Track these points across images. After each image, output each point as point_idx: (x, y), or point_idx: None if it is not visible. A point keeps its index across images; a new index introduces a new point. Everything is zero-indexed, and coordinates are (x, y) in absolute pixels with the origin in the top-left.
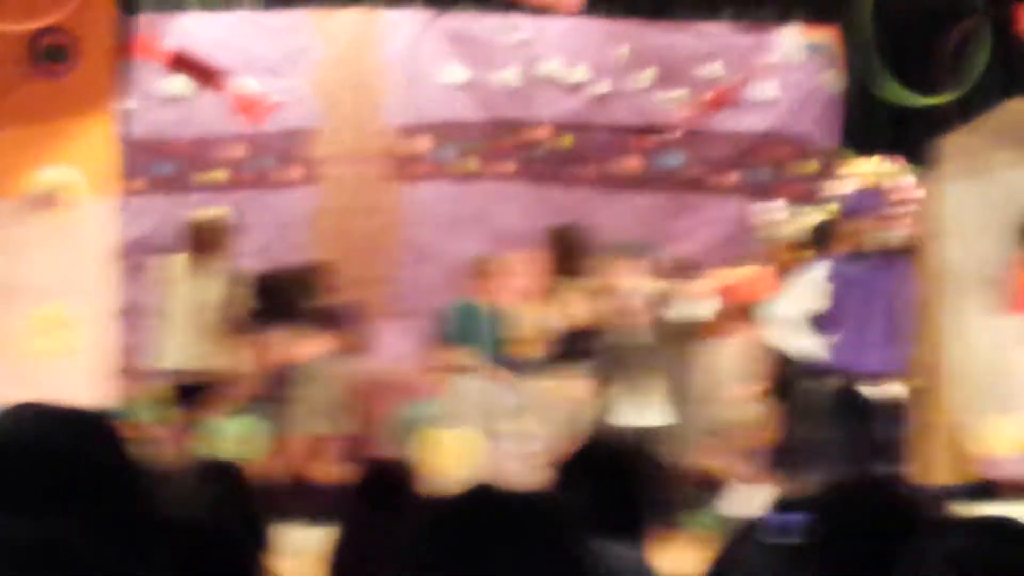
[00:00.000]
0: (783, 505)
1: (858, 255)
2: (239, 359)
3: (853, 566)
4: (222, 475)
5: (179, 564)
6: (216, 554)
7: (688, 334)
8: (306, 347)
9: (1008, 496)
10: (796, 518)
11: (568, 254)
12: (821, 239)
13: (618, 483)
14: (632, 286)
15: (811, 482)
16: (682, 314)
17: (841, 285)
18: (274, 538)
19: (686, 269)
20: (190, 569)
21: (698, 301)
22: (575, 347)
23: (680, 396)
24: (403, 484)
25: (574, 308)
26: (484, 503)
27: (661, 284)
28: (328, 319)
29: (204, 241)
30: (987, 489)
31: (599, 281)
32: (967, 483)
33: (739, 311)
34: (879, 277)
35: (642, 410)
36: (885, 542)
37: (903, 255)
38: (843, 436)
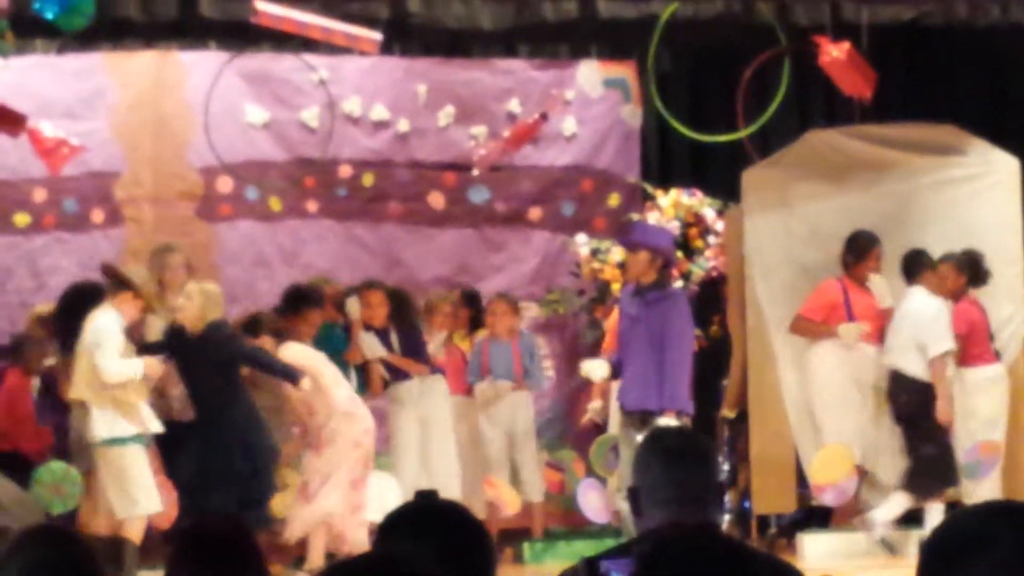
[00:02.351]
0: (611, 552)
1: (637, 289)
2: None
3: None
4: (53, 541)
5: None
6: None
7: None
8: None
9: (838, 523)
10: (622, 564)
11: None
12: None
13: (454, 538)
14: None
15: (642, 528)
16: None
17: (622, 319)
18: None
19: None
20: None
21: None
22: None
23: None
24: (230, 540)
25: None
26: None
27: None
28: None
29: None
30: (817, 516)
31: None
32: (796, 511)
33: None
34: (651, 312)
35: None
36: None
37: (675, 290)
38: (662, 479)
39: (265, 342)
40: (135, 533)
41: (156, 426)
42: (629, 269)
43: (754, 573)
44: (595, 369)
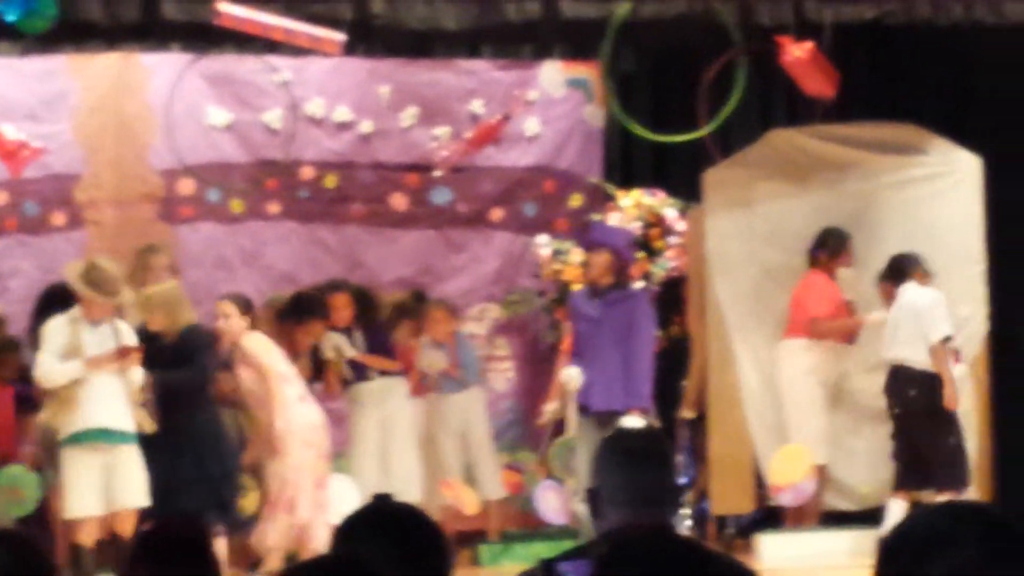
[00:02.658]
0: (569, 554)
1: (594, 290)
2: None
3: None
4: (5, 545)
5: None
6: None
7: None
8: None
9: (795, 524)
10: (579, 565)
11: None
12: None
13: (410, 540)
14: None
15: (601, 529)
16: None
17: (579, 321)
18: None
19: None
20: None
21: None
22: None
23: None
24: (190, 543)
25: None
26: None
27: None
28: None
29: None
30: (774, 517)
31: None
32: (754, 512)
33: None
34: (613, 313)
35: None
36: None
37: (637, 290)
38: (623, 481)
39: (239, 322)
40: (81, 535)
41: (101, 420)
42: (590, 269)
43: (710, 574)
44: (574, 378)
